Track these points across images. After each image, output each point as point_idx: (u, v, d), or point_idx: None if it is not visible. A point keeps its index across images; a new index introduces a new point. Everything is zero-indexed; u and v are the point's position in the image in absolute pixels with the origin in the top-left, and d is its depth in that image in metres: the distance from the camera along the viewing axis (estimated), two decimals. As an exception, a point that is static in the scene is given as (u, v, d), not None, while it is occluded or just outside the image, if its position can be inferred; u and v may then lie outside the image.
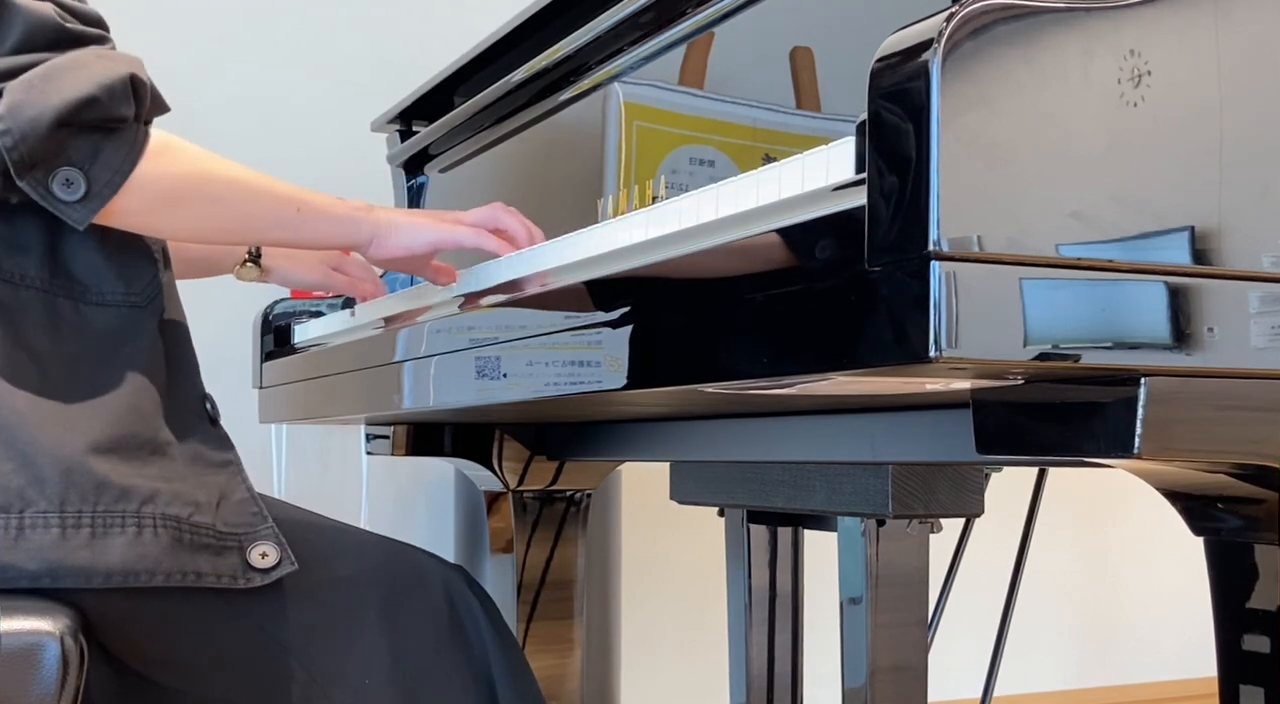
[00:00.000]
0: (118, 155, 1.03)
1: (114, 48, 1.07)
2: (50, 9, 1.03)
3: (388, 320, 1.44)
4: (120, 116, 1.03)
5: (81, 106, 1.00)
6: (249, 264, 1.45)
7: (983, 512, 1.17)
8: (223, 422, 1.14)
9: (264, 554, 1.07)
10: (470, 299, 1.23)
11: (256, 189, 1.15)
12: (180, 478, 1.06)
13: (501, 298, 1.14)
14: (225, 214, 1.14)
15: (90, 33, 1.05)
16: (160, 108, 1.08)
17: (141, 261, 1.11)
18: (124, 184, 1.03)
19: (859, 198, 0.70)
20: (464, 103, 1.73)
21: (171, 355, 1.11)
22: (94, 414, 1.03)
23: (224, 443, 1.12)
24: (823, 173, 0.78)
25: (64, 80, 1.00)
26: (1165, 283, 0.70)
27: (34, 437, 1.01)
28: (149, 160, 1.05)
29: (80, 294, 1.08)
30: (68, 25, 1.03)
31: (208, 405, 1.13)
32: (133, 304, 1.09)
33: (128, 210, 1.05)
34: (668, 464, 1.49)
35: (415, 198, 1.96)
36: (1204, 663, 2.99)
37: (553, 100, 1.55)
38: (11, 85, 1.00)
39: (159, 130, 1.07)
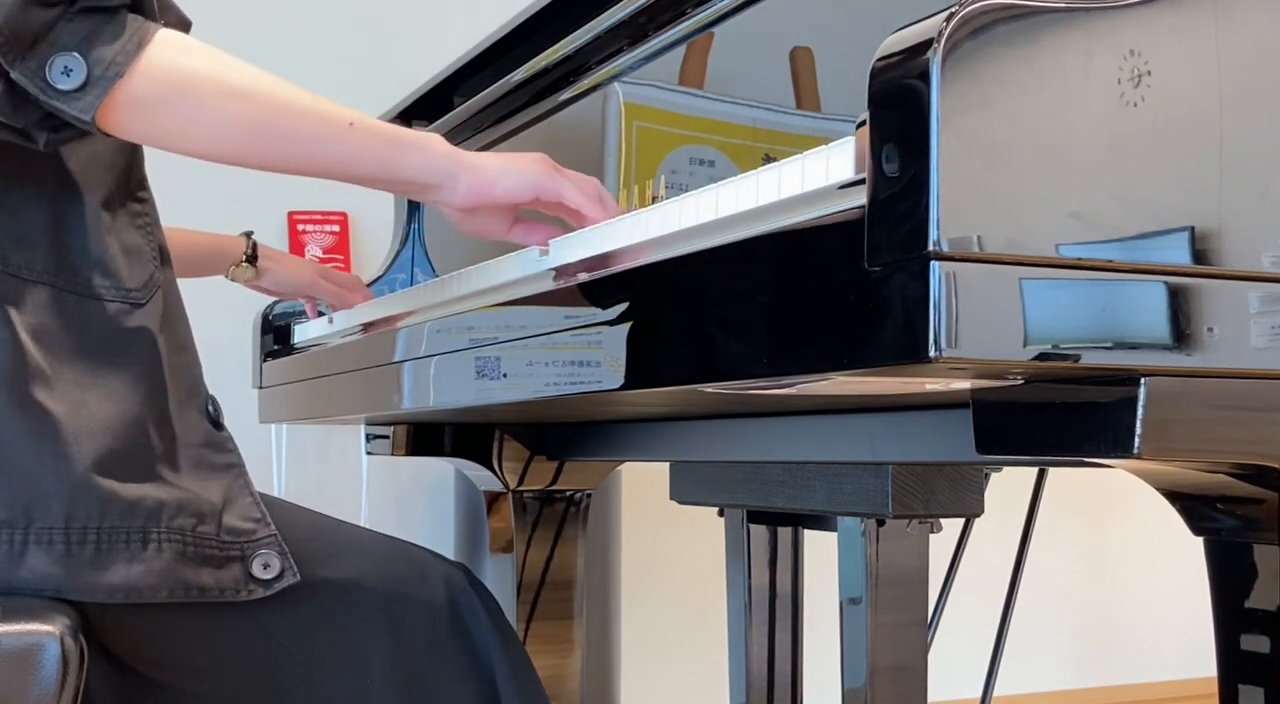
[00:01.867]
0: (117, 38, 0.95)
1: None
2: None
3: (387, 320, 1.43)
4: None
5: None
6: (244, 264, 1.44)
7: (983, 512, 1.17)
8: (222, 422, 1.14)
9: (266, 565, 1.06)
10: (485, 295, 1.22)
11: (292, 93, 1.02)
12: (184, 485, 1.05)
13: (513, 294, 1.14)
14: (253, 116, 1.01)
15: None
16: (172, 12, 1.02)
17: (143, 257, 1.10)
18: (129, 67, 0.95)
19: (859, 198, 0.70)
20: (464, 103, 1.73)
21: (174, 357, 1.10)
22: (99, 423, 1.02)
23: (227, 445, 1.10)
24: (823, 173, 0.78)
25: None
26: (1165, 283, 0.70)
27: (39, 450, 1.00)
28: (158, 47, 0.97)
29: (86, 289, 1.05)
30: None
31: (210, 407, 1.12)
32: (134, 302, 1.07)
33: (136, 103, 0.96)
34: (668, 464, 1.49)
35: (415, 198, 1.96)
36: (1204, 663, 2.99)
37: (553, 100, 1.55)
38: None
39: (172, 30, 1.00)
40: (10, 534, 0.98)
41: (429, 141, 1.08)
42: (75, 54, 0.94)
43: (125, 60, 0.95)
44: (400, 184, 1.10)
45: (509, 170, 1.08)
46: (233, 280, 1.48)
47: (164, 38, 0.98)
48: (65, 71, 0.94)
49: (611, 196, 1.13)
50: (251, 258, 1.44)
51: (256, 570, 1.06)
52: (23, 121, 0.97)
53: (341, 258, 2.50)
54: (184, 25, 1.06)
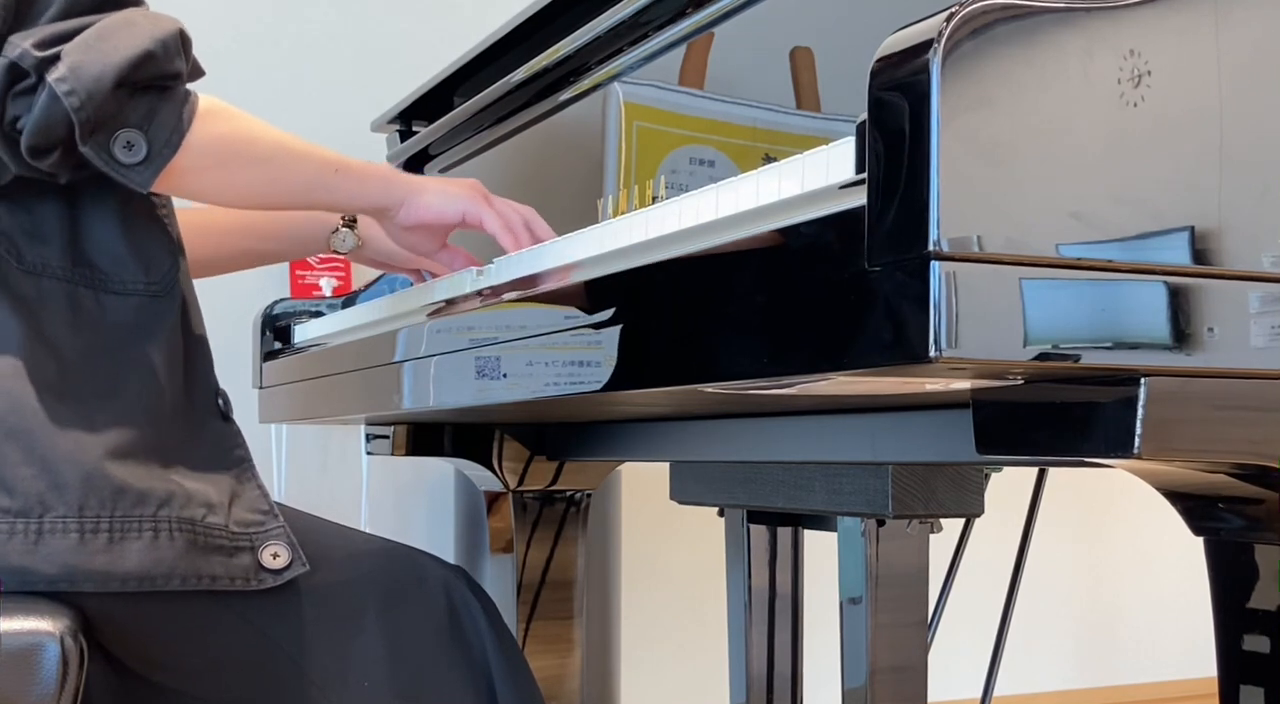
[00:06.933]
0: (173, 115, 1.04)
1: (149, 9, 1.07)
2: None
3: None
4: (174, 72, 1.03)
5: (140, 62, 1.00)
6: (343, 229, 1.41)
7: (983, 512, 1.17)
8: (231, 416, 1.14)
9: (275, 555, 1.08)
10: (488, 294, 1.22)
11: (299, 150, 1.15)
12: (194, 477, 1.06)
13: (514, 294, 1.14)
14: (273, 175, 1.14)
15: None
16: (198, 71, 1.09)
17: (160, 249, 1.12)
18: (182, 143, 1.04)
19: (859, 198, 0.70)
20: (464, 103, 1.73)
21: (188, 348, 1.12)
22: (112, 415, 1.04)
23: (236, 439, 1.12)
24: (823, 173, 0.78)
25: (119, 38, 1.00)
26: (1165, 283, 0.70)
27: (54, 441, 1.01)
28: (201, 120, 1.06)
29: (101, 283, 1.08)
30: None
31: (220, 401, 1.13)
32: (153, 293, 1.09)
33: (185, 170, 1.05)
34: (668, 464, 1.49)
35: (415, 198, 1.96)
36: (1204, 663, 2.99)
37: (553, 100, 1.56)
38: (68, 48, 0.99)
39: (203, 93, 1.08)
40: (26, 524, 1.00)
41: (385, 173, 1.23)
42: (138, 131, 1.02)
43: (179, 138, 1.04)
44: (365, 210, 1.27)
45: (442, 193, 1.23)
46: (334, 251, 1.44)
47: (206, 109, 1.07)
48: (128, 146, 1.02)
49: (544, 224, 1.26)
50: (351, 222, 1.42)
51: (266, 560, 1.07)
52: (57, 172, 1.03)
53: (343, 268, 2.50)
54: (201, 74, 1.11)
